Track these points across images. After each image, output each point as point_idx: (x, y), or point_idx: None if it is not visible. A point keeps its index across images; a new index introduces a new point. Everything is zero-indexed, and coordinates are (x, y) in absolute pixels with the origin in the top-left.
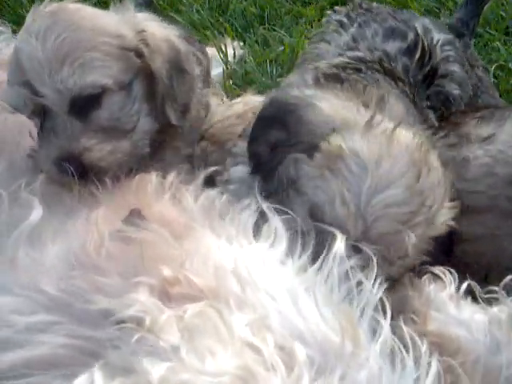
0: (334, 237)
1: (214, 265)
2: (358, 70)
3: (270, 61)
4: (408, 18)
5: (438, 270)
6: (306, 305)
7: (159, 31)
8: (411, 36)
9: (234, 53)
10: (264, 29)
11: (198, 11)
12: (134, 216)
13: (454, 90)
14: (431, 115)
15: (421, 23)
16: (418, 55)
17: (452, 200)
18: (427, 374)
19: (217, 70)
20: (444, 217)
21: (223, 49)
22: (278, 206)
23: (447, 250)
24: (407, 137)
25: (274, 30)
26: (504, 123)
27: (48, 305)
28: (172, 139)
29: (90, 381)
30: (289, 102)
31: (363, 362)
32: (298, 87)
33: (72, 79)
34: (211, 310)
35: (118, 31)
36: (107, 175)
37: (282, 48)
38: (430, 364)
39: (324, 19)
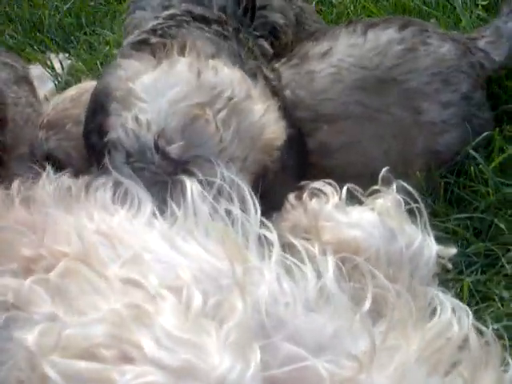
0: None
1: (77, 234)
2: (167, 28)
3: (101, 63)
4: None
5: (317, 184)
6: (185, 245)
7: None
8: None
9: (62, 64)
10: (85, 34)
11: (12, 36)
12: None
13: (279, 19)
14: (263, 42)
15: None
16: None
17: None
18: (327, 269)
19: (49, 86)
20: (260, 112)
21: (48, 63)
22: None
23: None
24: (187, 58)
25: (96, 34)
26: (337, 38)
27: None
28: (11, 151)
29: None
30: (104, 85)
31: (259, 279)
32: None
33: None
34: (79, 265)
35: None
36: None
37: (108, 48)
38: (326, 260)
39: None
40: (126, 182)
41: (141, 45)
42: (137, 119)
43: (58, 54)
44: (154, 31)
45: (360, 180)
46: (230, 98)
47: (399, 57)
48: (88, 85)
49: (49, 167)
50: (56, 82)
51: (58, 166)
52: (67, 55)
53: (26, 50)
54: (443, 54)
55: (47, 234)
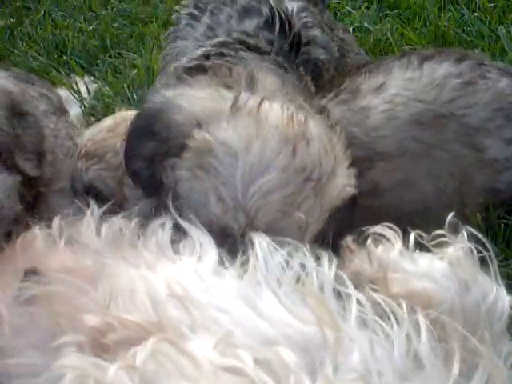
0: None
1: (144, 296)
2: (221, 55)
3: (128, 86)
4: None
5: (378, 229)
6: (265, 306)
7: None
8: (266, 10)
9: (88, 89)
10: (110, 57)
11: (35, 58)
12: (30, 275)
13: (320, 54)
14: (308, 81)
15: None
16: (277, 27)
17: (350, 165)
18: (418, 331)
19: (75, 110)
20: (340, 186)
21: (74, 87)
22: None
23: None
24: (276, 112)
25: (122, 56)
26: (391, 71)
27: None
28: (51, 184)
29: None
30: (154, 108)
31: (349, 345)
32: (159, 91)
33: None
34: (165, 346)
35: None
36: None
37: (135, 71)
38: (416, 321)
39: (173, 16)
40: (186, 225)
41: (196, 71)
42: (222, 201)
43: (83, 77)
44: (206, 56)
45: (412, 217)
46: (320, 179)
47: (457, 90)
48: (124, 114)
49: (92, 203)
50: (82, 106)
51: (99, 197)
52: (92, 78)
53: (51, 73)
54: (502, 89)
55: (110, 296)
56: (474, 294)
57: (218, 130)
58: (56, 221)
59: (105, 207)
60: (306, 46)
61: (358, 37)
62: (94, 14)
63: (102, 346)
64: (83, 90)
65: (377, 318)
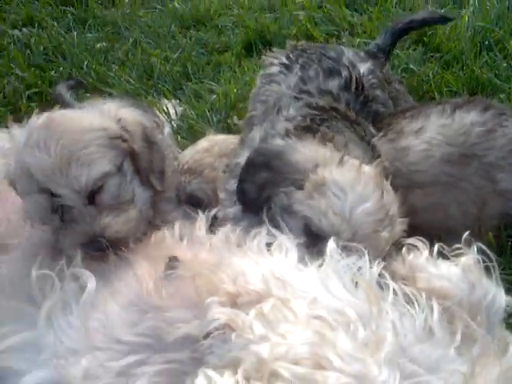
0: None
1: (255, 277)
2: (324, 120)
3: (208, 110)
4: (336, 55)
5: (411, 240)
6: (334, 288)
7: (131, 116)
8: (344, 73)
9: (176, 111)
10: (192, 83)
11: (127, 81)
12: (173, 261)
13: (379, 108)
14: (370, 127)
15: (347, 58)
16: (353, 88)
17: (402, 216)
18: (432, 313)
19: (166, 130)
20: (400, 226)
21: (165, 109)
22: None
23: None
24: (370, 169)
25: (202, 82)
26: (429, 117)
27: (130, 350)
28: (161, 194)
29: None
30: (274, 149)
31: (386, 316)
32: (282, 138)
33: (83, 177)
34: (278, 303)
35: (102, 125)
36: (129, 241)
37: (214, 97)
38: (431, 306)
39: (266, 61)
40: (277, 233)
41: (305, 130)
42: (336, 215)
43: (170, 100)
44: (312, 120)
45: (439, 233)
46: (392, 216)
47: (480, 136)
48: (215, 138)
49: (199, 211)
50: (170, 126)
51: (199, 204)
52: (178, 101)
53: (143, 95)
54: None
55: (234, 275)
56: (479, 293)
57: (331, 172)
58: (177, 225)
59: (206, 212)
60: (370, 102)
61: (405, 77)
62: (176, 43)
63: (235, 305)
64: (172, 111)
65: (404, 303)
